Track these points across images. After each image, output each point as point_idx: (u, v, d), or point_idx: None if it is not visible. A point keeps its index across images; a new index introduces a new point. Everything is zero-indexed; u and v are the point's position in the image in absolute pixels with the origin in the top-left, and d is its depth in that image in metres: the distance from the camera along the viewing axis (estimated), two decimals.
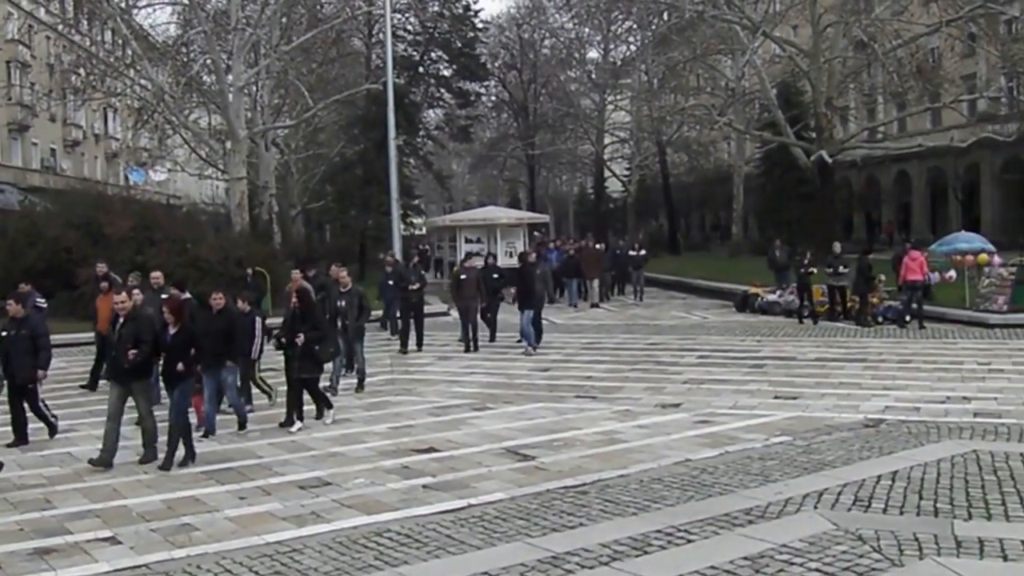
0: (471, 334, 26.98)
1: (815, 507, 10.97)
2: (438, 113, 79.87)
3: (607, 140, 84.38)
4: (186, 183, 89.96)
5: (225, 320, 16.82)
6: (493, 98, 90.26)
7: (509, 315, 28.90)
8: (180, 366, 14.40)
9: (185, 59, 48.27)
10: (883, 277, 30.89)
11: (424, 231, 66.62)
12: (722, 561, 9.32)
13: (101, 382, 20.18)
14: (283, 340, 17.20)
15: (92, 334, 22.69)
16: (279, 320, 19.12)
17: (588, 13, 75.79)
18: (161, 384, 16.12)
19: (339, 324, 20.36)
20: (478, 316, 27.45)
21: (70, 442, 16.02)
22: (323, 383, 18.83)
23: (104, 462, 14.14)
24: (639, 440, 15.23)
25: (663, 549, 9.82)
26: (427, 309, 29.93)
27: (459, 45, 71.64)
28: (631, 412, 17.60)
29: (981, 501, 11.00)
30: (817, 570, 9.00)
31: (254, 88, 52.04)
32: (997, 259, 31.81)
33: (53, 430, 16.31)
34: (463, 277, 27.45)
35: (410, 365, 24.65)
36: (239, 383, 17.46)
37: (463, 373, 22.98)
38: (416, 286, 27.36)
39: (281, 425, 16.88)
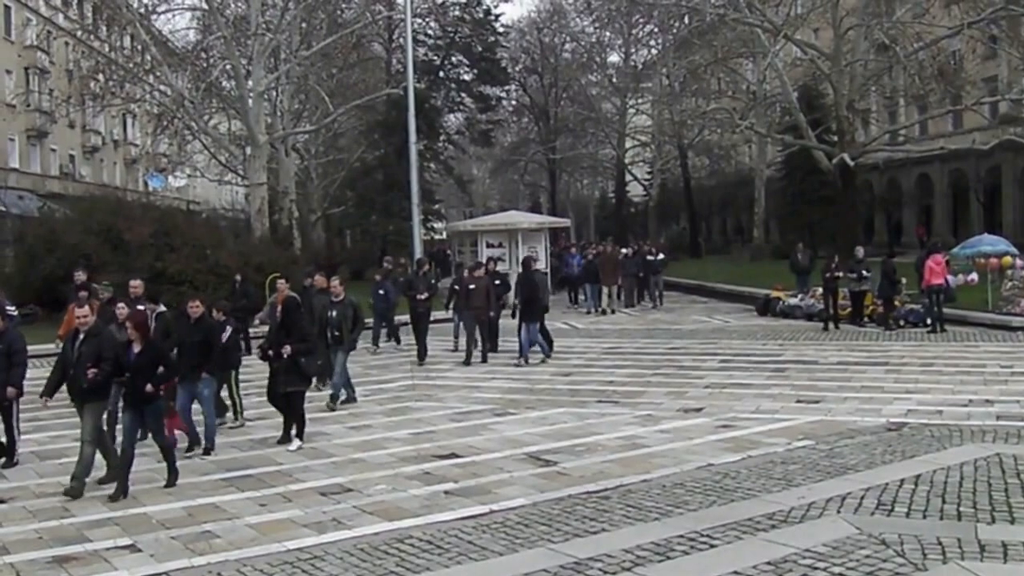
0: (481, 346, 26.01)
1: (838, 511, 10.93)
2: (459, 117, 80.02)
3: (628, 144, 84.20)
4: (206, 189, 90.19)
5: (203, 330, 15.99)
6: (514, 102, 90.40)
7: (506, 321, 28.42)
8: (149, 387, 13.27)
9: (205, 64, 48.30)
10: (904, 280, 30.76)
11: (445, 236, 66.60)
12: (745, 566, 9.29)
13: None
14: (270, 352, 16.32)
15: None
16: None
17: (609, 17, 75.77)
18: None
19: (328, 336, 19.50)
20: (486, 326, 26.39)
21: None
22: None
23: (77, 491, 13.10)
24: (661, 445, 15.19)
25: (686, 554, 9.78)
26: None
27: (480, 49, 71.73)
28: (653, 417, 17.56)
29: (1004, 505, 10.94)
30: (840, 575, 8.97)
31: (274, 93, 52.07)
32: (1020, 262, 31.64)
33: (9, 458, 15.08)
34: (472, 287, 26.09)
35: (431, 371, 24.63)
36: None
37: (484, 378, 22.94)
38: (424, 295, 26.87)
39: (279, 442, 16.12)
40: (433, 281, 30.05)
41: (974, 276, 31.96)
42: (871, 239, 62.92)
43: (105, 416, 14.38)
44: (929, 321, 28.54)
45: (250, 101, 43.94)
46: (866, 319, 30.34)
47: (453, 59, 73.35)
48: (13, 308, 21.35)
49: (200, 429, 15.86)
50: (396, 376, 23.57)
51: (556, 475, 13.54)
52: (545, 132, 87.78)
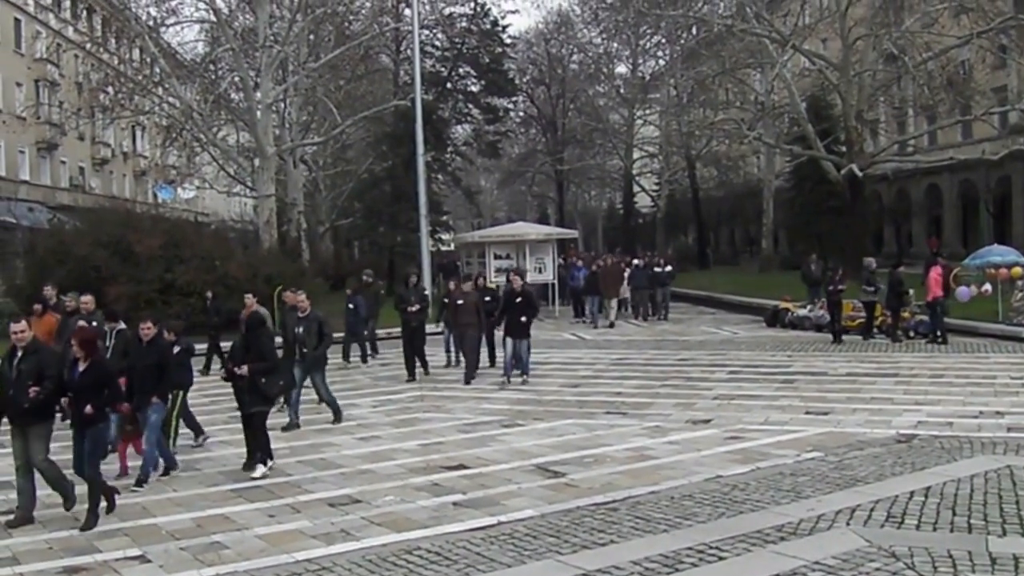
0: (466, 366, 24.84)
1: (848, 524, 10.91)
2: (466, 129, 79.89)
3: (636, 155, 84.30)
4: (214, 200, 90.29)
5: (156, 352, 15.04)
6: (521, 113, 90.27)
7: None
8: (89, 409, 12.39)
9: (213, 77, 48.51)
10: (912, 291, 30.68)
11: (453, 247, 66.63)
12: None
13: None
14: (233, 371, 15.14)
15: None
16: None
17: (616, 28, 75.70)
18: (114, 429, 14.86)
19: (297, 353, 18.90)
20: (478, 344, 25.34)
21: None
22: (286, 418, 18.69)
23: (22, 520, 12.51)
24: (669, 456, 15.17)
25: (694, 566, 9.76)
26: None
27: (487, 61, 71.62)
28: (661, 428, 17.54)
29: (1015, 517, 10.92)
30: None
31: (282, 105, 52.25)
32: None
33: None
34: (460, 302, 25.06)
35: (438, 382, 24.59)
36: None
37: (492, 390, 22.90)
38: (415, 308, 25.55)
39: (243, 468, 15.17)
40: (426, 293, 28.98)
41: (988, 287, 31.81)
42: (880, 250, 62.91)
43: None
44: (939, 333, 28.54)
45: (258, 113, 44.08)
46: (876, 330, 30.24)
47: (460, 70, 73.21)
48: None
49: (180, 447, 15.67)
50: (404, 387, 23.57)
51: (564, 486, 13.52)
52: (553, 143, 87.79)
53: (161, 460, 15.11)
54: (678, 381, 23.22)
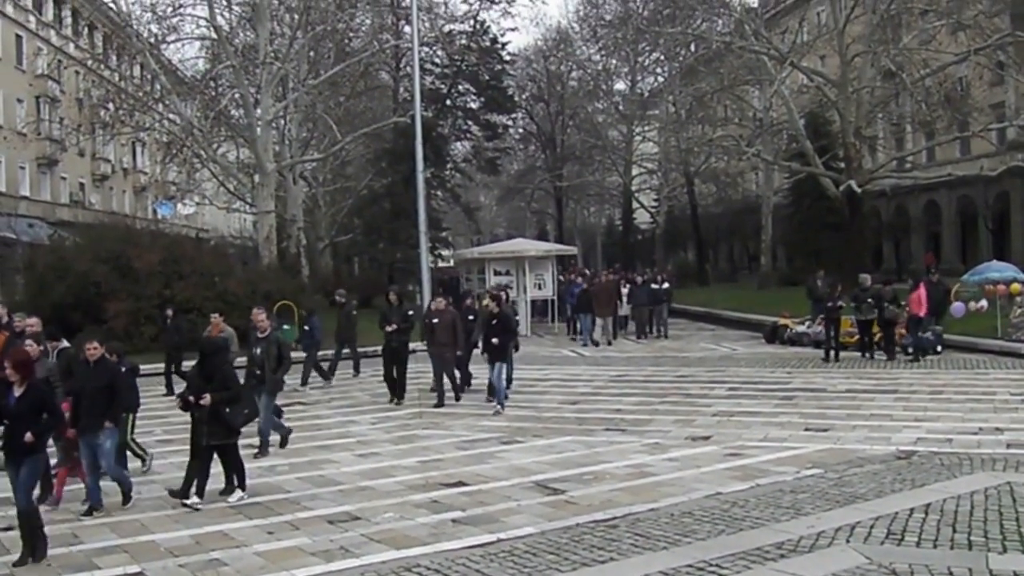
0: (452, 386, 23.92)
1: (847, 541, 10.90)
2: (466, 145, 79.97)
3: (635, 171, 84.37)
4: (214, 217, 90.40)
5: (105, 375, 14.18)
6: (521, 130, 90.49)
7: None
8: (29, 436, 11.50)
9: (213, 93, 48.57)
10: (904, 304, 30.56)
11: (452, 263, 66.63)
12: None
13: None
14: (190, 400, 14.21)
15: None
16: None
17: (615, 45, 75.75)
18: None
19: (255, 376, 17.64)
20: (454, 367, 24.19)
21: None
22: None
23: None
24: (669, 473, 15.16)
25: None
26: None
27: (487, 78, 71.75)
28: (661, 445, 17.52)
29: (1015, 534, 10.91)
30: None
31: (282, 122, 52.30)
32: None
33: None
34: (435, 321, 23.71)
35: (435, 399, 24.48)
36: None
37: (490, 406, 22.83)
38: (392, 327, 23.94)
39: (171, 494, 14.46)
40: (410, 313, 26.57)
41: (983, 303, 31.80)
42: (879, 266, 62.93)
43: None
44: (938, 349, 28.60)
45: (258, 129, 44.11)
46: (870, 347, 30.12)
47: (460, 87, 73.36)
48: None
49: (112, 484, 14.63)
50: (403, 404, 23.55)
51: (564, 503, 13.50)
52: (552, 160, 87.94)
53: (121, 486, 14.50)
54: (677, 398, 23.21)
